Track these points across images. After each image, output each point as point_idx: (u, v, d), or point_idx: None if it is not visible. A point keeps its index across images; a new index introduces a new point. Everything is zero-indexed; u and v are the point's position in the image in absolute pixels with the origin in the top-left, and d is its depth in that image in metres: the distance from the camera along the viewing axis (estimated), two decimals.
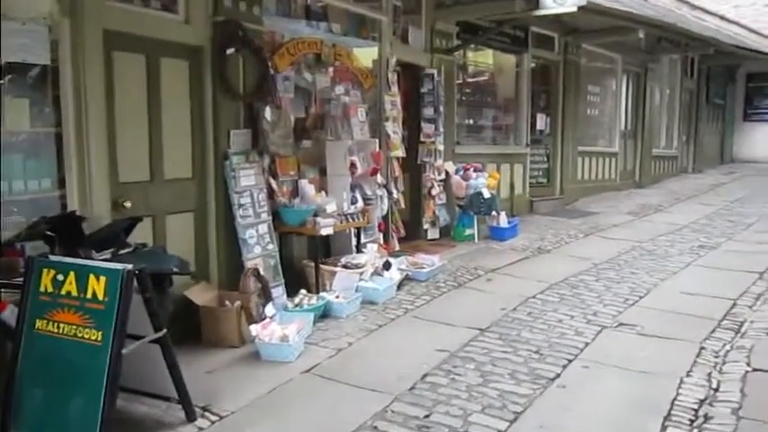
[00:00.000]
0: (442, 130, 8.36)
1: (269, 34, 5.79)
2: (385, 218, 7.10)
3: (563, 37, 11.07)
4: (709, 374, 4.24)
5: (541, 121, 10.98)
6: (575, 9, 7.57)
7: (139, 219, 4.23)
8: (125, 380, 3.38)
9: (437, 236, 8.50)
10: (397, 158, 7.48)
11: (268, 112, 5.45)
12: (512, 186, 10.12)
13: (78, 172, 4.24)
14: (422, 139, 8.27)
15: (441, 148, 8.43)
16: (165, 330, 3.39)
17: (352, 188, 6.36)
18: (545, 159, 11.12)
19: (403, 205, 7.60)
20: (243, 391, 4.03)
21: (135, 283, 3.24)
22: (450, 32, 8.64)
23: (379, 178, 6.72)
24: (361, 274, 5.86)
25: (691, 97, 16.94)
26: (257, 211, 5.42)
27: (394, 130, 7.33)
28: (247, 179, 5.34)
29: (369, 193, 6.63)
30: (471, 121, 9.76)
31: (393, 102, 7.34)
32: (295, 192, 6.00)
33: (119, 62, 4.49)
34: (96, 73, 4.28)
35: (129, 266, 3.18)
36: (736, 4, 19.56)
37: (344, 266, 5.89)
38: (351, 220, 6.07)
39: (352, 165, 6.23)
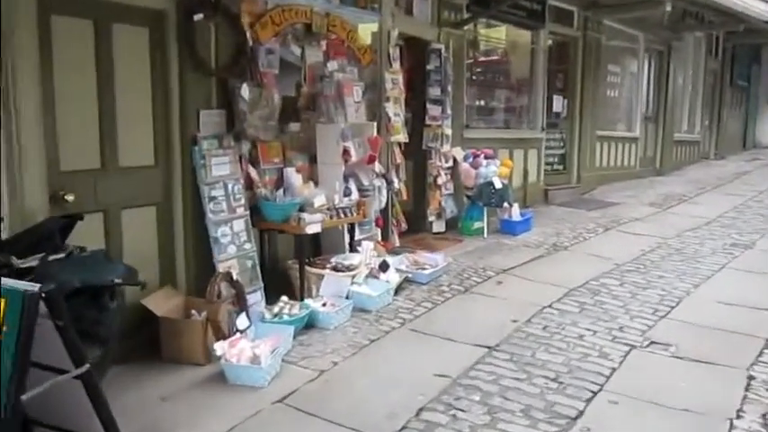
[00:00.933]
0: (449, 112, 7.58)
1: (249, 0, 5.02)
2: (383, 211, 6.35)
3: (583, 11, 10.20)
4: (764, 416, 3.50)
5: (558, 104, 10.15)
6: None
7: (79, 216, 3.49)
8: (40, 415, 2.70)
9: (443, 229, 7.76)
10: (399, 144, 6.71)
11: (245, 90, 4.69)
12: (525, 174, 9.33)
13: (6, 158, 3.51)
14: (427, 122, 7.50)
15: (448, 132, 7.65)
16: (86, 366, 2.67)
17: (346, 178, 5.61)
18: (561, 145, 10.31)
19: (405, 196, 6.85)
20: (198, 426, 3.34)
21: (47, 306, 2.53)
22: (459, 3, 7.81)
23: (377, 167, 5.96)
24: (354, 277, 5.14)
25: (714, 79, 15.99)
26: (232, 204, 4.68)
27: (395, 111, 6.56)
28: (220, 168, 4.60)
29: (365, 183, 5.88)
30: (482, 103, 8.96)
31: (395, 80, 6.56)
32: (280, 182, 5.27)
33: (58, 28, 3.73)
34: (28, 42, 3.53)
35: (34, 288, 2.46)
36: None
37: (334, 268, 5.16)
38: (343, 215, 5.33)
39: (346, 151, 5.47)
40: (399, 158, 6.68)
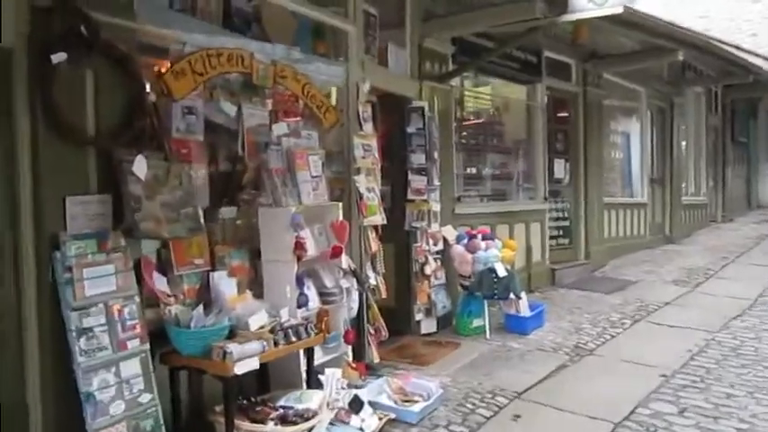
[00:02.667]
0: (437, 183, 6.13)
1: (154, 39, 3.59)
2: (356, 321, 4.78)
3: (581, 64, 8.98)
4: None
5: (559, 168, 8.78)
6: (620, 10, 5.41)
7: None
8: None
9: (434, 328, 6.18)
10: (375, 227, 5.20)
11: (140, 165, 3.17)
12: (528, 252, 7.84)
13: None
14: (410, 196, 6.04)
15: (436, 208, 6.19)
16: None
17: (301, 280, 4.07)
18: (565, 215, 8.88)
19: (384, 293, 5.28)
20: None
21: None
22: (443, 54, 6.48)
23: (345, 261, 4.42)
24: (310, 430, 3.51)
25: (716, 135, 14.88)
26: (120, 337, 3.09)
27: (369, 186, 5.09)
28: (99, 283, 3.04)
29: (329, 285, 4.34)
30: (474, 171, 7.53)
31: (367, 146, 5.11)
32: (205, 292, 3.71)
33: None
34: None
35: None
36: (754, 32, 17.72)
37: (282, 419, 3.53)
38: (295, 337, 3.72)
39: (299, 244, 3.95)
40: (375, 245, 5.15)
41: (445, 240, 6.31)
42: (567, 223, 8.89)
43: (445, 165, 6.43)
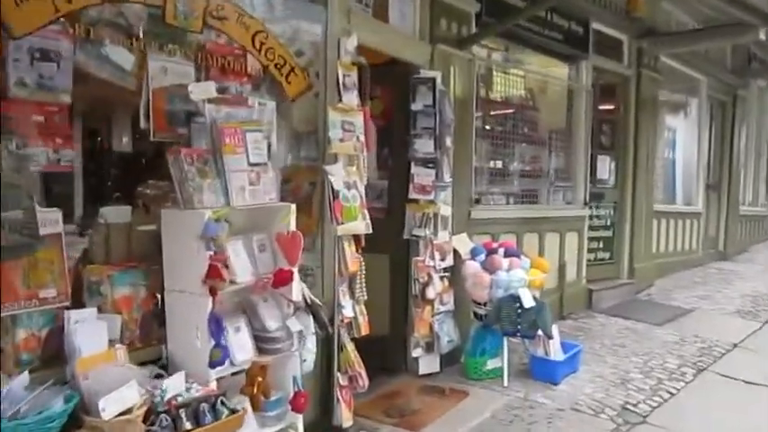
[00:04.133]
0: (448, 179, 4.69)
1: None
2: (318, 372, 3.36)
3: (635, 41, 7.40)
4: None
5: (604, 167, 7.25)
6: None
7: None
8: None
9: (436, 367, 4.77)
10: (356, 238, 3.76)
11: None
12: (562, 270, 6.35)
13: None
14: (412, 195, 4.62)
15: (446, 211, 4.74)
16: None
17: (220, 323, 2.67)
18: (607, 224, 7.34)
19: (365, 329, 3.84)
20: None
21: None
22: (465, 11, 5.01)
23: (297, 292, 2.97)
24: None
25: None
26: None
27: (348, 180, 3.65)
28: None
29: (271, 326, 2.91)
30: (498, 165, 6.03)
31: (348, 124, 3.66)
32: (54, 342, 2.34)
33: None
34: None
35: None
36: None
37: None
38: (193, 422, 2.32)
39: (214, 269, 2.53)
40: (354, 263, 3.72)
41: (456, 254, 4.86)
42: (608, 234, 7.36)
43: (461, 156, 4.98)
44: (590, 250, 6.97)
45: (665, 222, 8.50)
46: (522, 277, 4.56)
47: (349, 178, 3.65)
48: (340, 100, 3.61)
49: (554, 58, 6.45)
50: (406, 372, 4.77)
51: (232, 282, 2.71)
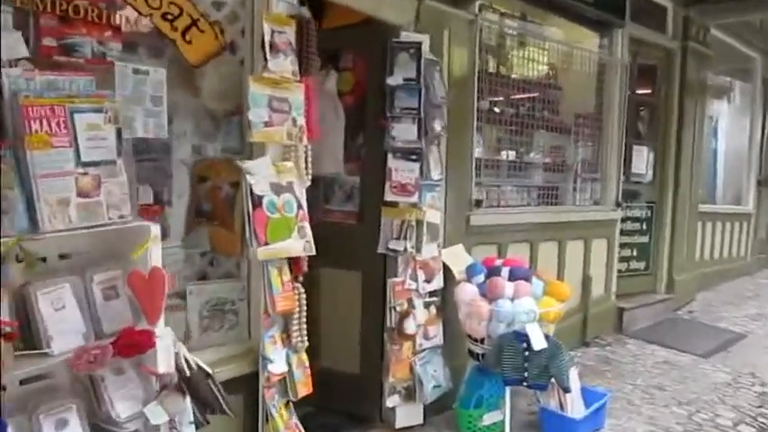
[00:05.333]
0: (437, 176, 3.58)
1: None
2: None
3: (681, 8, 6.16)
4: None
5: (640, 160, 6.04)
6: None
7: None
8: None
9: (418, 419, 3.69)
10: (294, 262, 2.67)
11: None
12: (585, 284, 5.20)
13: None
14: (388, 196, 3.51)
15: (434, 218, 3.63)
16: None
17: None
18: (644, 229, 6.15)
19: (305, 389, 2.76)
20: None
21: None
22: None
23: (162, 361, 1.89)
24: None
25: None
26: None
27: (279, 181, 2.56)
28: None
29: (121, 414, 1.85)
30: (507, 156, 4.85)
31: (278, 101, 2.56)
32: None
33: None
34: None
35: None
36: None
37: None
38: None
39: None
40: (287, 301, 2.63)
41: (448, 272, 3.76)
42: (644, 239, 6.16)
43: (457, 145, 3.87)
44: (621, 259, 5.79)
45: (710, 225, 7.26)
46: (532, 309, 3.43)
47: (280, 178, 2.57)
48: (266, 67, 2.51)
49: (583, 26, 5.24)
50: (381, 423, 3.70)
51: (43, 354, 1.66)
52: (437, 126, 3.55)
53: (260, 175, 2.50)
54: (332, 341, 3.80)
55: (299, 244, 2.62)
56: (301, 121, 2.65)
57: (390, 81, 3.43)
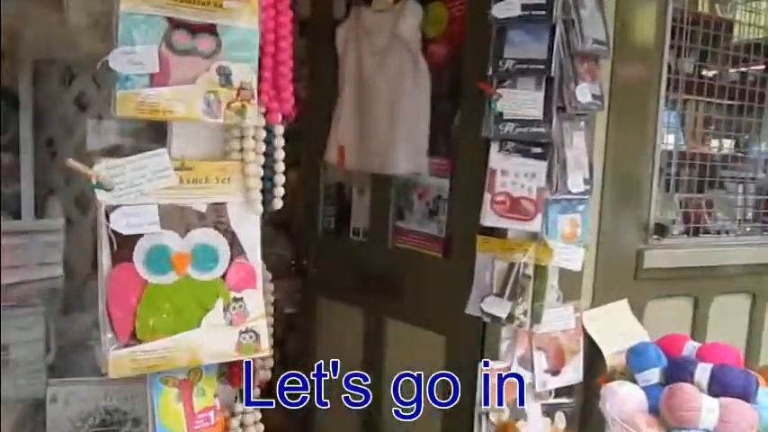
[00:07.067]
0: (582, 184, 1.98)
1: None
2: None
3: None
4: None
5: None
6: None
7: None
8: None
9: None
10: (229, 371, 1.29)
11: None
12: None
13: None
14: (489, 218, 1.98)
15: (573, 259, 2.01)
16: None
17: None
18: None
19: None
20: None
21: None
22: None
23: None
24: None
25: None
26: None
27: (193, 203, 1.17)
28: None
29: None
30: (719, 149, 2.99)
31: (191, 31, 1.16)
32: None
33: None
34: None
35: None
36: None
37: None
38: None
39: None
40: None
41: (594, 352, 2.15)
42: None
43: (627, 130, 2.20)
44: None
45: None
46: None
47: (191, 195, 1.18)
48: None
49: None
50: None
51: None
52: (585, 94, 1.93)
53: (135, 188, 1.14)
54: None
55: (228, 337, 1.22)
56: (251, 76, 1.23)
57: (497, 11, 1.88)
